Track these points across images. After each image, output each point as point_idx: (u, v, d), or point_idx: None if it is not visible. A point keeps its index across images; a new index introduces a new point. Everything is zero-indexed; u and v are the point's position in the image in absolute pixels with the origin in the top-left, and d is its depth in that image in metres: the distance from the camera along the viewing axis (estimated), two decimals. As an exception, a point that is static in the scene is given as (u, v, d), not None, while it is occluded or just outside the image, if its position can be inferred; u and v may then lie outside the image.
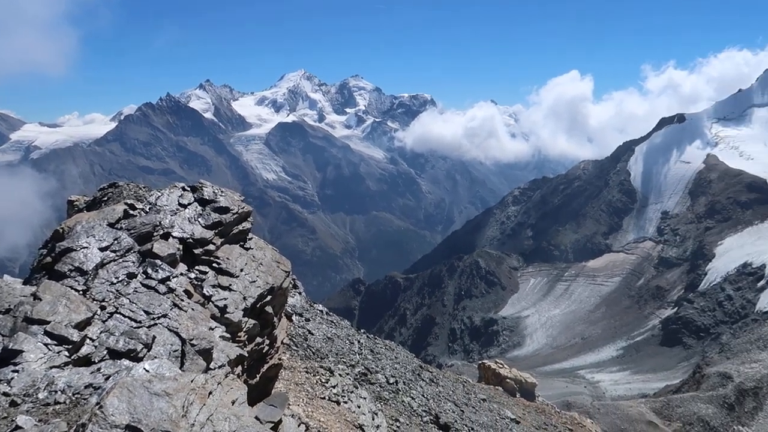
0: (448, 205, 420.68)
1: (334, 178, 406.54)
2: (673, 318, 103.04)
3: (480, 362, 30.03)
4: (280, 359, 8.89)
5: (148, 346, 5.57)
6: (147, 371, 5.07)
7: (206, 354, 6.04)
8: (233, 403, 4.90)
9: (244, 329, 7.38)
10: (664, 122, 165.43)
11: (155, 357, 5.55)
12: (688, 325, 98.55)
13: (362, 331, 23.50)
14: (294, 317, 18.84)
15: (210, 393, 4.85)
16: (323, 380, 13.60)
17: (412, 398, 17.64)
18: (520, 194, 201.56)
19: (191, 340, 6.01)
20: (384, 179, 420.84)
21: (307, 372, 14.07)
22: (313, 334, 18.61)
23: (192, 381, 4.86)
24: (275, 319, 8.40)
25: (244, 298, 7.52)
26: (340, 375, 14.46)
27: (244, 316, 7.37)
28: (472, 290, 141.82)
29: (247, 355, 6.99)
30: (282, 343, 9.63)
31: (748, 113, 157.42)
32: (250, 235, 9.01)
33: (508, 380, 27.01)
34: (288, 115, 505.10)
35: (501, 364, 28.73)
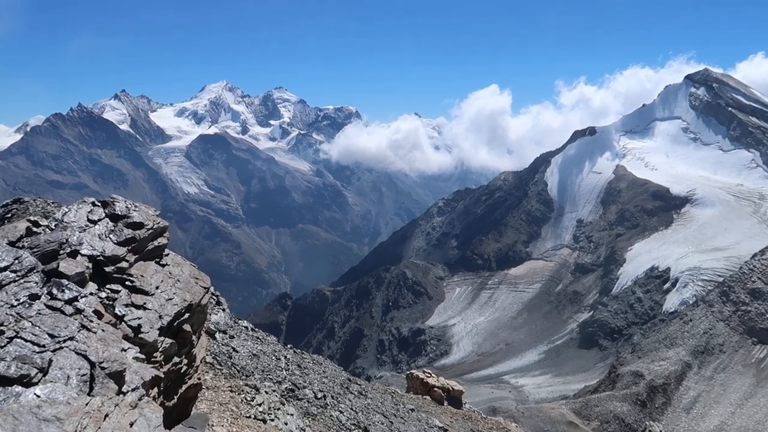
0: (374, 216, 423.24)
1: (258, 191, 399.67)
2: (589, 321, 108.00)
3: (408, 372, 30.19)
4: (199, 379, 8.55)
5: (44, 371, 5.19)
6: (38, 396, 4.76)
7: (118, 377, 5.70)
8: (131, 425, 4.65)
9: (160, 349, 7.04)
10: (577, 135, 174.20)
11: (52, 381, 5.18)
12: (603, 327, 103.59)
13: (289, 346, 23.09)
14: (217, 335, 18.25)
15: (106, 416, 4.59)
16: (249, 398, 13.21)
17: (341, 412, 17.47)
18: (445, 205, 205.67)
19: (101, 363, 5.66)
20: (310, 192, 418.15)
21: (231, 391, 13.62)
22: (237, 352, 18.07)
23: (87, 404, 4.59)
24: (194, 338, 8.08)
25: (160, 317, 7.18)
26: (266, 392, 14.11)
27: (159, 336, 7.03)
28: (400, 301, 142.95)
29: (163, 376, 6.66)
30: (203, 362, 9.28)
31: (651, 127, 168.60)
32: (167, 251, 8.65)
33: (435, 389, 27.30)
34: (210, 126, 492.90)
35: (429, 373, 29.01)
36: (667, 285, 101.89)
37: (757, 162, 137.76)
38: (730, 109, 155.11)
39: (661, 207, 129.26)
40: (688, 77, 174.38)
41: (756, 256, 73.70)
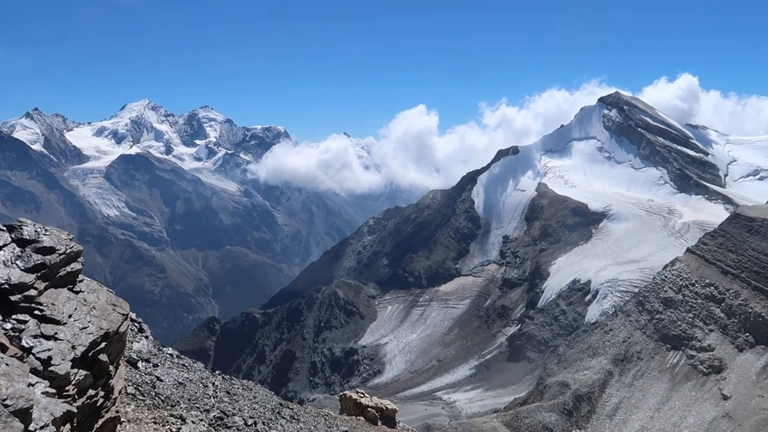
0: (305, 236, 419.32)
1: (183, 213, 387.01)
2: (517, 334, 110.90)
3: (341, 393, 29.82)
4: (118, 412, 8.04)
5: None
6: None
7: (24, 414, 5.26)
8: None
9: (73, 382, 6.57)
10: (501, 154, 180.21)
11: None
12: (531, 339, 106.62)
13: (218, 372, 22.26)
14: (140, 364, 17.33)
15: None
16: (174, 429, 12.59)
17: (272, 438, 16.96)
18: (375, 224, 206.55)
19: (4, 400, 5.20)
20: (238, 212, 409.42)
21: (155, 422, 12.93)
22: (162, 381, 17.21)
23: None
24: (111, 368, 7.61)
25: (73, 347, 6.72)
26: (193, 422, 13.50)
27: (73, 368, 6.56)
28: (332, 321, 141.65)
29: (76, 410, 6.21)
30: (122, 393, 8.76)
31: (569, 146, 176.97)
32: (82, 276, 8.14)
33: (369, 409, 27.07)
34: (131, 146, 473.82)
35: (362, 393, 28.76)
36: (589, 297, 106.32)
37: (665, 179, 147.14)
38: (639, 129, 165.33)
39: (581, 222, 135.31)
40: (601, 99, 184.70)
41: (667, 267, 78.28)
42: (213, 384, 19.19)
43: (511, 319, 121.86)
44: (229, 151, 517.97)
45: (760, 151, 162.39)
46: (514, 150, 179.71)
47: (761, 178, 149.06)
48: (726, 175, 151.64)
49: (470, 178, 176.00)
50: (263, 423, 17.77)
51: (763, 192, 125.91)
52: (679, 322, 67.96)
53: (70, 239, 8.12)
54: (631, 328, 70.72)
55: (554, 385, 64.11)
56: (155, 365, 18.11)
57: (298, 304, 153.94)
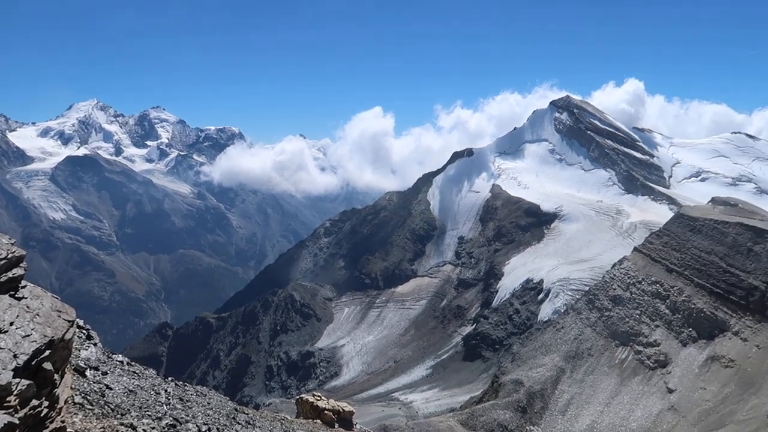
0: (260, 239, 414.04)
1: (134, 216, 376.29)
2: (472, 334, 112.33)
3: (298, 397, 29.59)
4: (63, 422, 7.78)
5: None
6: None
7: (-38, 428, 5.05)
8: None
9: (15, 392, 6.31)
10: (456, 156, 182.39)
11: None
12: (486, 339, 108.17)
13: (170, 379, 21.73)
14: (88, 372, 16.78)
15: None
16: (123, 439, 12.24)
17: (226, 444, 16.69)
18: (331, 226, 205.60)
19: (-60, 413, 4.98)
20: (191, 215, 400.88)
21: (103, 432, 12.53)
22: (111, 389, 16.69)
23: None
24: (56, 377, 7.35)
25: (15, 356, 6.46)
26: (145, 430, 13.16)
27: (14, 377, 6.32)
28: (288, 324, 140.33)
29: (18, 422, 5.97)
30: (68, 402, 8.48)
31: (522, 148, 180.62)
32: (24, 282, 7.84)
33: (326, 412, 26.96)
34: (79, 148, 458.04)
35: (319, 396, 28.61)
36: (541, 296, 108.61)
37: (614, 180, 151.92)
38: (589, 132, 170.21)
39: (534, 223, 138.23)
40: (553, 103, 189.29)
41: (615, 265, 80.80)
42: (165, 391, 18.74)
43: (466, 318, 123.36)
44: (182, 153, 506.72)
45: (702, 154, 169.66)
46: (469, 152, 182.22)
47: (702, 180, 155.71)
48: (670, 177, 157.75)
49: (426, 180, 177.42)
50: (218, 429, 17.47)
51: (704, 193, 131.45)
52: (627, 319, 70.25)
53: (12, 244, 7.81)
54: (582, 326, 72.67)
55: (509, 383, 65.26)
56: (104, 373, 17.56)
57: (253, 308, 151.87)
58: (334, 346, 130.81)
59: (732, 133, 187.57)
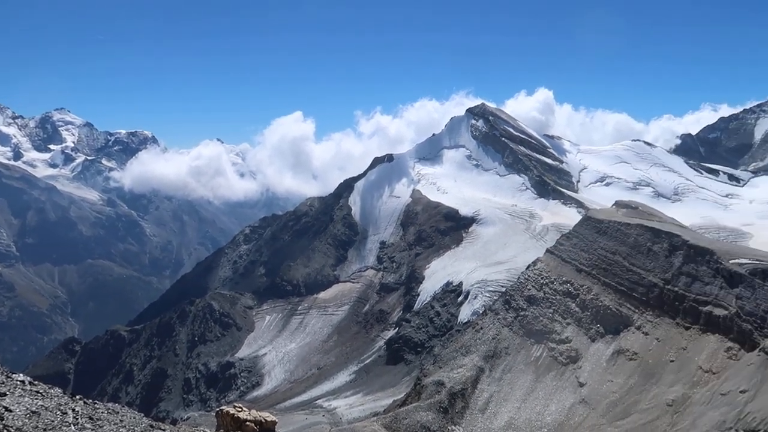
0: (176, 247, 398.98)
1: (36, 225, 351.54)
2: (395, 338, 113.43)
3: (218, 409, 28.72)
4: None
5: None
6: None
7: None
8: None
9: None
10: (376, 161, 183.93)
11: None
12: (408, 342, 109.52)
13: (78, 397, 20.49)
14: (-17, 394, 15.54)
15: None
16: (26, 464, 11.45)
17: (142, 463, 15.98)
18: (251, 232, 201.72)
19: None
20: (100, 223, 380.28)
21: (3, 458, 11.69)
22: (11, 411, 15.55)
23: None
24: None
25: None
26: (49, 454, 12.36)
27: None
28: (207, 335, 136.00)
29: None
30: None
31: (441, 154, 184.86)
32: None
33: (247, 423, 26.32)
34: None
35: (240, 407, 27.90)
36: (461, 298, 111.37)
37: (527, 185, 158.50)
38: (503, 139, 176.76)
39: (453, 227, 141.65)
40: (469, 110, 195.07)
41: (529, 267, 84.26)
42: (73, 410, 17.67)
43: (388, 323, 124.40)
44: (90, 158, 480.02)
45: (606, 160, 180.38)
46: (389, 157, 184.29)
47: (607, 184, 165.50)
48: (578, 182, 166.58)
49: (347, 185, 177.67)
50: (132, 447, 16.66)
51: (609, 196, 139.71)
52: (541, 318, 73.38)
53: None
54: (500, 326, 75.16)
55: (431, 385, 66.38)
56: (3, 394, 16.34)
57: (169, 319, 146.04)
58: (255, 355, 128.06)
59: (632, 140, 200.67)
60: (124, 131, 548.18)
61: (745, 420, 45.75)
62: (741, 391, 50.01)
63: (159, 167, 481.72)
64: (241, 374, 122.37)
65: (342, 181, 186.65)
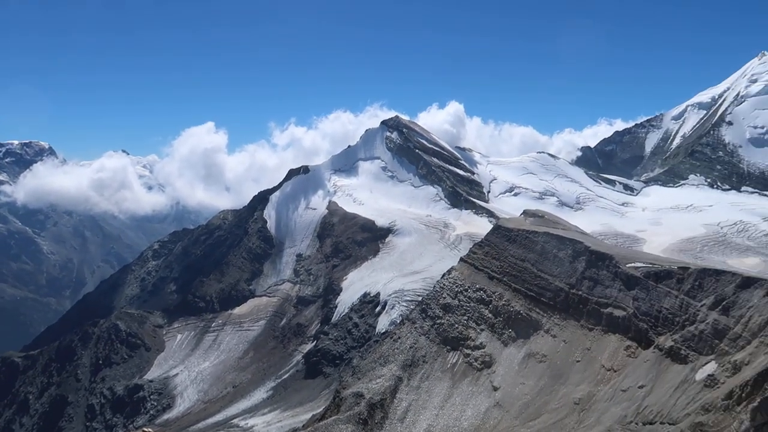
0: (77, 265, 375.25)
1: None
2: (313, 351, 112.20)
3: (125, 436, 27.35)
4: None
5: None
6: None
7: None
8: None
9: None
10: (292, 173, 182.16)
11: None
12: (326, 355, 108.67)
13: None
14: None
15: None
16: None
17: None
18: (161, 247, 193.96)
19: None
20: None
21: None
22: None
23: None
24: None
25: None
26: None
27: None
28: (112, 357, 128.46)
29: None
30: None
31: (356, 166, 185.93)
32: None
33: (158, 448, 25.17)
34: None
35: (149, 431, 26.63)
36: (378, 308, 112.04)
37: (440, 196, 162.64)
38: (417, 151, 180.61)
39: (369, 238, 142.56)
40: (384, 122, 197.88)
41: (444, 275, 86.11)
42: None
43: (306, 336, 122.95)
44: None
45: (514, 171, 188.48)
46: (305, 169, 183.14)
47: (515, 194, 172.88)
48: (489, 192, 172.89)
49: (262, 198, 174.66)
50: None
51: (517, 206, 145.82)
52: (456, 325, 75.13)
53: None
54: (417, 335, 76.20)
55: (350, 397, 66.07)
56: None
57: (69, 342, 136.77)
58: (166, 376, 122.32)
59: (537, 152, 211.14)
60: (17, 142, 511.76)
61: (644, 414, 48.95)
62: (639, 387, 53.48)
63: (57, 180, 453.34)
64: (151, 397, 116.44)
65: (256, 193, 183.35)
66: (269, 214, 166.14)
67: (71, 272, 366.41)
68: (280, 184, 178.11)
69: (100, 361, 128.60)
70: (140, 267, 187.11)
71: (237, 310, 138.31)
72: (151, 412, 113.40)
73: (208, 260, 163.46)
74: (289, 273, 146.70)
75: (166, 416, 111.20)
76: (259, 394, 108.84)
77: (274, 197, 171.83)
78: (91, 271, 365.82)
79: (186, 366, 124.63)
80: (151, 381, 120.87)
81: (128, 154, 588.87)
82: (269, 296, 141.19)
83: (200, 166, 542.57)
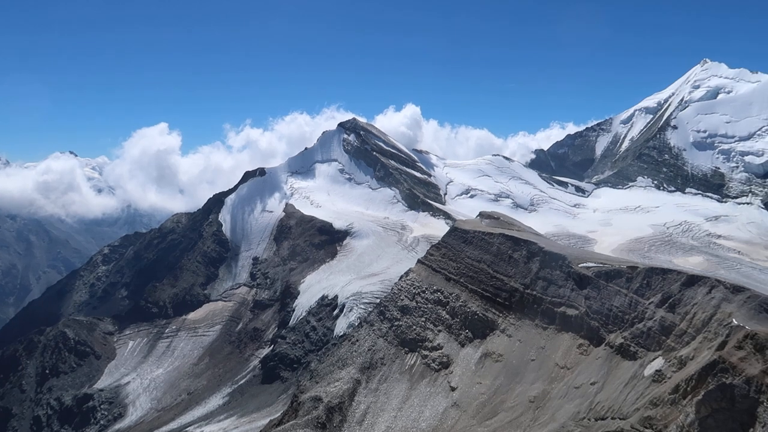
0: (21, 271, 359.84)
1: None
2: (270, 356, 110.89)
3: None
4: None
5: None
6: None
7: None
8: None
9: None
10: (248, 175, 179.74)
11: None
12: (284, 359, 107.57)
13: None
14: None
15: None
16: None
17: None
18: (111, 252, 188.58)
19: None
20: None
21: None
22: None
23: None
24: None
25: None
26: None
27: None
28: (60, 366, 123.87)
29: None
30: None
31: (313, 168, 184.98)
32: None
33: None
34: None
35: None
36: (336, 311, 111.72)
37: (398, 198, 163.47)
38: (374, 153, 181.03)
39: (327, 240, 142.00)
40: (341, 125, 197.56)
41: (402, 277, 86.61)
42: None
43: (263, 340, 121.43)
44: None
45: (470, 173, 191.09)
46: (261, 171, 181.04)
47: (471, 196, 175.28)
48: (445, 194, 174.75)
49: (217, 200, 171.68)
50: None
51: (473, 208, 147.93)
52: (414, 327, 75.61)
53: None
54: (375, 337, 76.32)
55: (308, 401, 65.67)
56: None
57: (13, 352, 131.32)
58: (117, 384, 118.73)
59: (492, 155, 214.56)
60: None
61: (596, 409, 50.35)
62: (591, 383, 55.01)
63: (0, 183, 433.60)
64: (101, 406, 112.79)
65: (211, 195, 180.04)
66: (224, 217, 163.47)
67: (15, 278, 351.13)
68: (236, 187, 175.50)
69: (47, 371, 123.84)
70: (89, 272, 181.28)
71: (191, 316, 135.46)
72: (102, 422, 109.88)
73: (161, 264, 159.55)
74: (246, 277, 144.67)
75: (117, 426, 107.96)
76: (215, 401, 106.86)
77: (230, 200, 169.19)
78: (37, 277, 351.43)
79: (138, 374, 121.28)
80: (101, 390, 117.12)
81: (76, 155, 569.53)
82: (225, 301, 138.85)
83: (152, 168, 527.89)
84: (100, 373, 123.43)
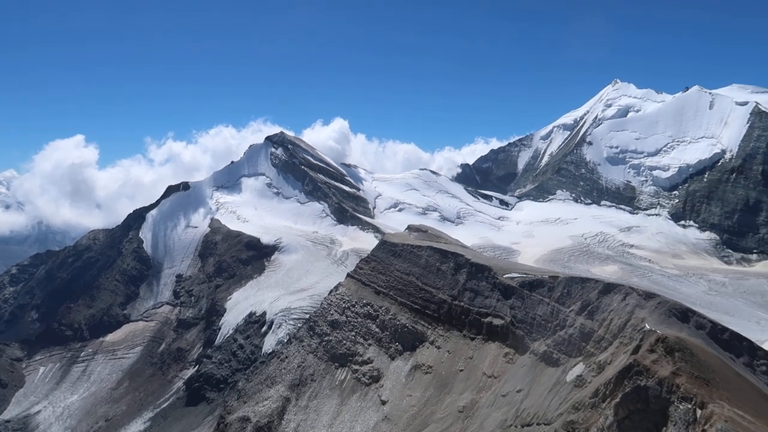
0: None
1: None
2: (195, 376, 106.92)
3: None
4: None
5: None
6: None
7: None
8: None
9: None
10: (171, 190, 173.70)
11: None
12: (209, 379, 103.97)
13: None
14: None
15: None
16: None
17: None
18: (20, 272, 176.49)
19: None
20: None
21: None
22: None
23: None
24: None
25: None
26: None
27: None
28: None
29: None
30: None
31: (240, 182, 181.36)
32: None
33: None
34: None
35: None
36: (264, 328, 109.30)
37: (327, 212, 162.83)
38: (303, 167, 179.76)
39: (255, 256, 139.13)
40: (268, 138, 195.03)
41: (332, 292, 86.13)
42: None
43: (188, 361, 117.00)
44: None
45: (398, 187, 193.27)
46: (185, 186, 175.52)
47: (400, 210, 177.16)
48: (374, 208, 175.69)
49: (138, 216, 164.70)
50: None
51: (402, 221, 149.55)
52: (344, 341, 75.20)
53: None
54: (305, 353, 75.31)
55: (235, 422, 63.82)
56: None
57: None
58: (26, 414, 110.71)
59: (420, 169, 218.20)
60: None
61: (522, 416, 51.73)
62: (518, 391, 56.53)
63: None
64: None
65: (131, 211, 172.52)
66: (146, 233, 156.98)
67: None
68: (158, 202, 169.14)
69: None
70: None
71: (110, 337, 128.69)
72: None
73: (76, 284, 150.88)
74: (168, 295, 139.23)
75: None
76: (136, 426, 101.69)
77: (151, 215, 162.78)
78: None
79: (50, 401, 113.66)
80: (7, 421, 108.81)
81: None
82: (146, 320, 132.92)
83: (66, 182, 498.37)
84: (6, 403, 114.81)
